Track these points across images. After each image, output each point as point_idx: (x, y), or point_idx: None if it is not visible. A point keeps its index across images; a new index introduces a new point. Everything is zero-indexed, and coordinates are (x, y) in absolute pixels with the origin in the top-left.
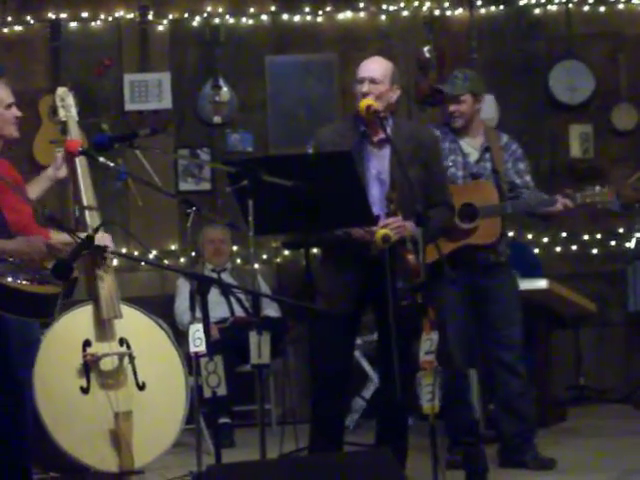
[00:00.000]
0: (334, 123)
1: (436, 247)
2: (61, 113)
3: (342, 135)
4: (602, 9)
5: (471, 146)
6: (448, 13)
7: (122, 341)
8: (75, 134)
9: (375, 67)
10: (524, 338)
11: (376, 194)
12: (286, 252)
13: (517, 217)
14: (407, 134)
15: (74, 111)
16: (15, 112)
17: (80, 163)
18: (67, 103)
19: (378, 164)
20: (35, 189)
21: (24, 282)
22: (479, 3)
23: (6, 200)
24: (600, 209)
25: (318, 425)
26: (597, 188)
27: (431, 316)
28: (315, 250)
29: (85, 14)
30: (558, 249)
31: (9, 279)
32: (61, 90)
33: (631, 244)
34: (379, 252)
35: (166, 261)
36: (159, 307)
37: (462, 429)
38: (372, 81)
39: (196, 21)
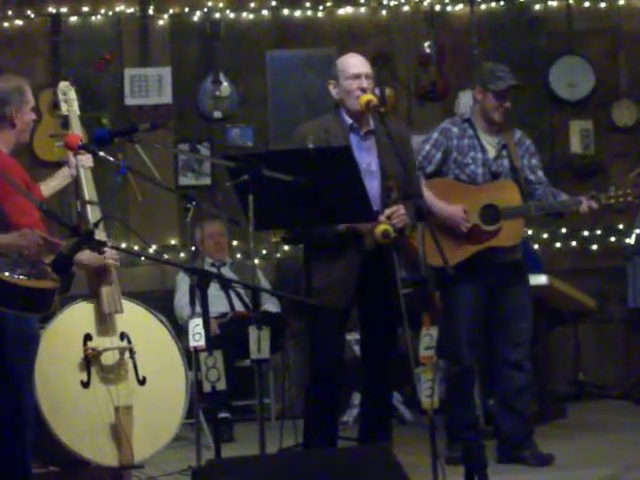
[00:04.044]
0: (317, 118)
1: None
2: (63, 107)
3: (327, 130)
4: (602, 5)
5: (489, 143)
6: (449, 9)
7: (123, 335)
8: (77, 128)
9: (365, 63)
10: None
11: (370, 188)
12: (286, 247)
13: None
14: (388, 127)
15: (76, 105)
16: (34, 116)
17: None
18: (69, 97)
19: (367, 156)
20: (51, 186)
21: (21, 277)
22: None
23: (16, 202)
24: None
25: (314, 420)
26: (615, 188)
27: (437, 305)
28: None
29: (85, 8)
30: (558, 245)
31: (6, 274)
32: (63, 84)
33: (631, 240)
34: (376, 246)
35: (166, 256)
36: (159, 302)
37: (463, 425)
38: (367, 76)
39: (197, 16)
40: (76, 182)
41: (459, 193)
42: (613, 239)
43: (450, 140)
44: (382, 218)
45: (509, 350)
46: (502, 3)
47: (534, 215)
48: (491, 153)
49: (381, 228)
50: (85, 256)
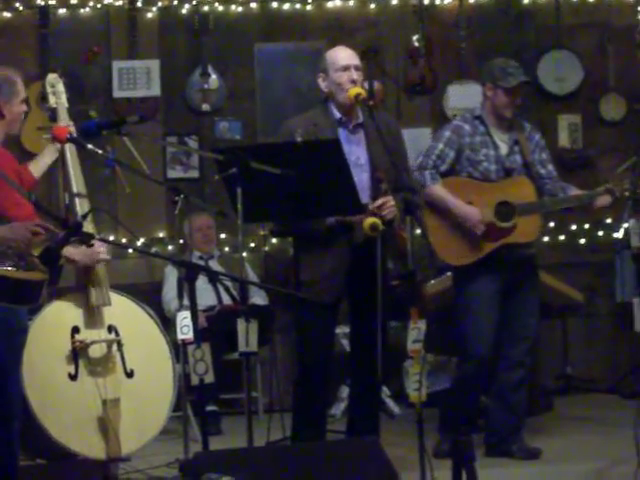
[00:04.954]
0: (305, 112)
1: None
2: (51, 100)
3: (315, 123)
4: None
5: (501, 139)
6: (437, 2)
7: (110, 328)
8: (65, 121)
9: (354, 55)
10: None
11: (359, 181)
12: (274, 240)
13: None
14: (377, 120)
15: (64, 98)
16: (24, 108)
17: (69, 150)
18: (57, 90)
19: (356, 149)
20: (41, 164)
21: (9, 268)
22: None
23: (8, 194)
24: None
25: (302, 413)
26: (629, 181)
27: (426, 297)
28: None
29: (74, 1)
30: (546, 239)
31: None
32: (51, 77)
33: (619, 234)
34: (364, 239)
35: (154, 248)
36: (147, 294)
37: (462, 417)
38: (356, 68)
39: (185, 8)
40: (64, 174)
41: (473, 190)
42: (601, 233)
43: (462, 138)
44: (372, 207)
45: (512, 344)
46: None
47: (549, 210)
48: (503, 149)
49: (369, 221)
50: (78, 256)
